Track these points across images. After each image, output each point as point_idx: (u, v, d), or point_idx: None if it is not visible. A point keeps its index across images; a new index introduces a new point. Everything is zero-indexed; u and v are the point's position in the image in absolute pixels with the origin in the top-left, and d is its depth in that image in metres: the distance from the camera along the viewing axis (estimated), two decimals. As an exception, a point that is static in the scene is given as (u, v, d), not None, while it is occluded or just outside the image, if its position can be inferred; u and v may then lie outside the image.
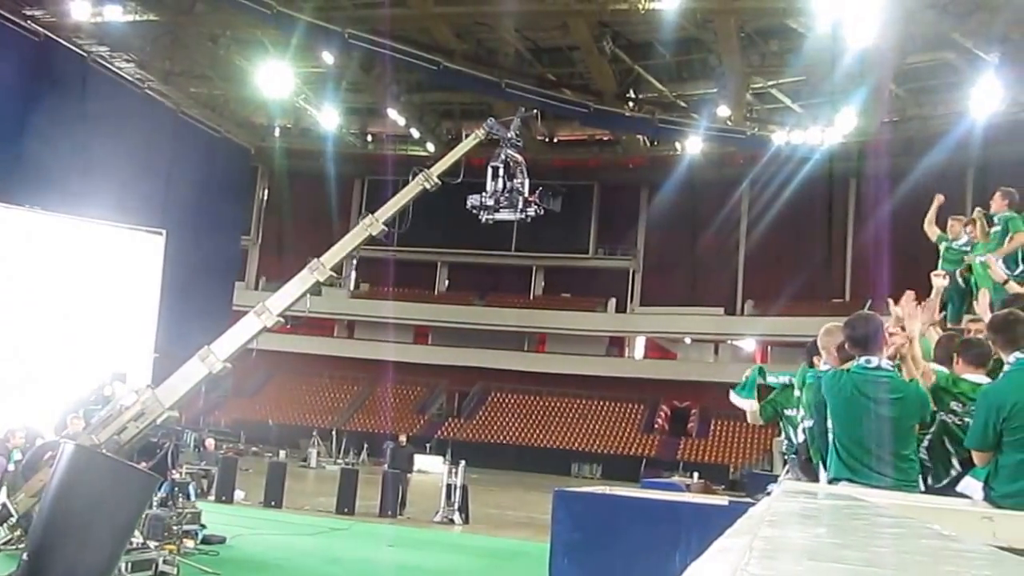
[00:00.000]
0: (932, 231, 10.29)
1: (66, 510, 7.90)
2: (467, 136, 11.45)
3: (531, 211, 11.31)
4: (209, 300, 22.68)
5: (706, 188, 47.19)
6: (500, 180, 11.20)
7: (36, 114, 20.84)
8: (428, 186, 11.07)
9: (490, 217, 11.41)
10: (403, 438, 28.86)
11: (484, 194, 11.31)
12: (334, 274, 10.38)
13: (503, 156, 11.22)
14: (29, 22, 29.84)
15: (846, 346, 5.01)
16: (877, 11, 28.75)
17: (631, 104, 39.01)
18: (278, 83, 40.19)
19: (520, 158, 11.36)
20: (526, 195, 11.18)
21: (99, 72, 25.96)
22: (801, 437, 7.81)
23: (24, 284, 18.53)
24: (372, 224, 10.74)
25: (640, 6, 32.00)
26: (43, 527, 8.03)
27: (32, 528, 8.33)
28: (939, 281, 7.46)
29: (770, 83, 38.04)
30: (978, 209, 9.77)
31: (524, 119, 11.71)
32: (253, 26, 35.87)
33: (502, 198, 11.18)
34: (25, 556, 8.10)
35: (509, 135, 11.20)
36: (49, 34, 28.86)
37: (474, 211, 11.41)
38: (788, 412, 7.91)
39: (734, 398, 8.33)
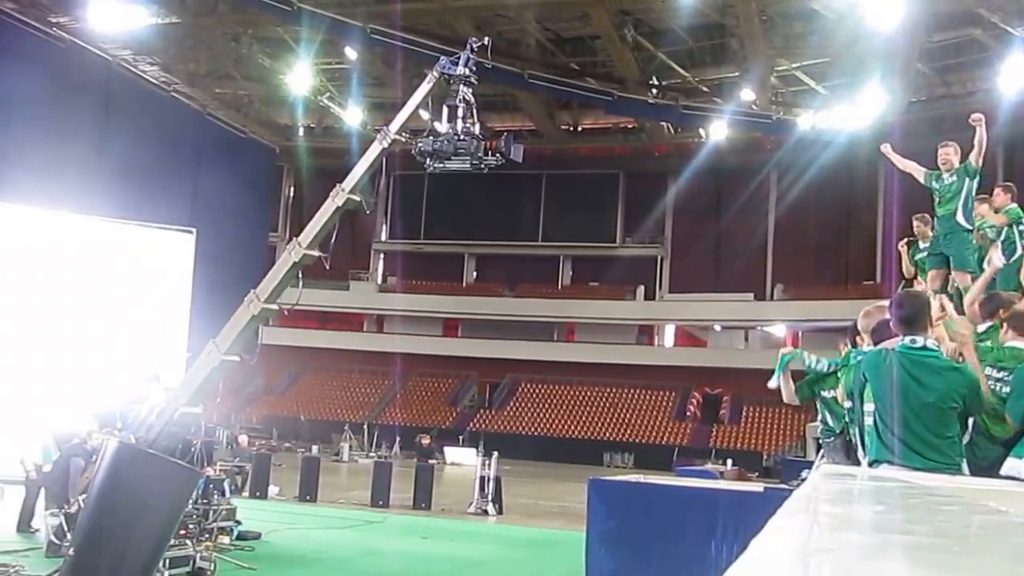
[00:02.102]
0: (919, 172, 9.70)
1: (110, 507, 7.98)
2: (425, 84, 10.36)
3: (490, 160, 9.92)
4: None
5: (732, 173, 46.91)
6: (458, 123, 9.76)
7: (64, 119, 21.06)
8: (386, 144, 9.93)
9: (438, 166, 9.95)
10: (426, 440, 29.18)
11: (434, 139, 9.85)
12: (312, 252, 9.83)
13: (460, 95, 9.86)
14: (55, 29, 30.14)
15: (891, 325, 4.95)
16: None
17: (654, 91, 38.81)
18: (301, 81, 40.32)
19: (472, 99, 10.03)
20: (480, 139, 9.82)
21: (124, 76, 26.19)
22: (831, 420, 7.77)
23: (59, 286, 18.74)
24: (338, 195, 9.95)
25: (661, -8, 31.85)
26: (88, 524, 8.12)
27: (77, 525, 8.42)
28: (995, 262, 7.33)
29: (794, 65, 37.69)
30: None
31: (478, 49, 10.16)
32: (275, 24, 36.01)
33: (458, 145, 9.71)
34: (71, 552, 8.19)
35: (462, 71, 9.88)
36: (75, 39, 29.16)
37: (420, 159, 9.92)
38: (825, 394, 7.85)
39: (771, 382, 8.30)
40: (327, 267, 10.36)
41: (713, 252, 49.24)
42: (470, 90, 9.86)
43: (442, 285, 52.64)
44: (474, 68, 9.91)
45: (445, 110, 9.82)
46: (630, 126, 47.74)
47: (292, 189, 54.32)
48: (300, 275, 9.98)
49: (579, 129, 48.63)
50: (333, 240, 10.18)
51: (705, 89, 39.71)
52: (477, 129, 9.78)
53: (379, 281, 55.32)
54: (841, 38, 33.23)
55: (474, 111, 9.87)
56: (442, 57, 10.21)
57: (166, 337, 19.33)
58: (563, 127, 48.33)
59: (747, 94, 37.75)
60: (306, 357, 51.43)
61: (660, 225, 51.06)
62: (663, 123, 45.55)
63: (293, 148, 48.74)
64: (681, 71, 38.69)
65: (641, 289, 50.16)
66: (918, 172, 9.28)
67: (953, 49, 34.94)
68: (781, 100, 39.93)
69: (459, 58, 9.95)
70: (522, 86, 37.98)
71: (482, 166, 9.81)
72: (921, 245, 9.79)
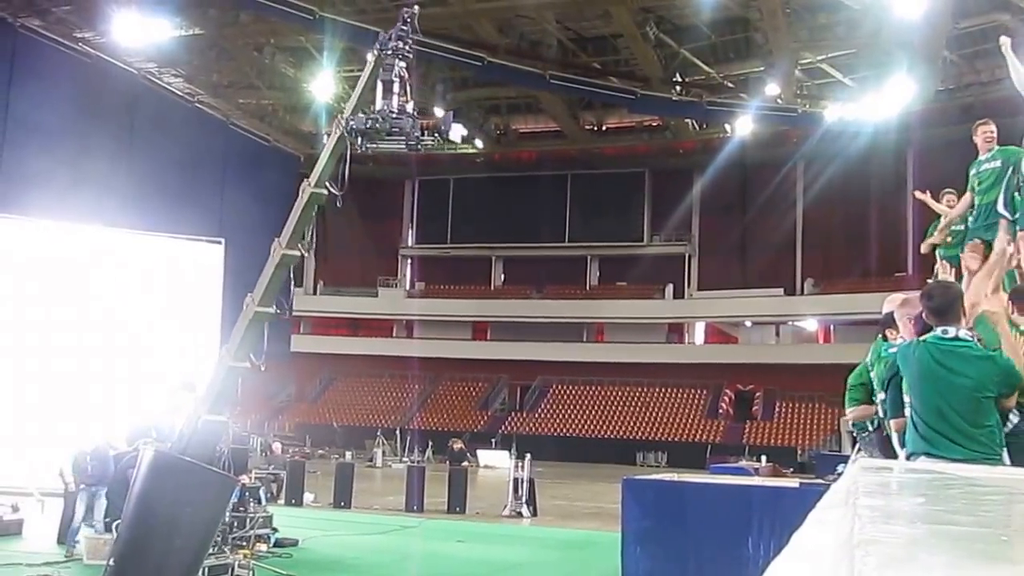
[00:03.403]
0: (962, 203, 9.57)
1: (149, 516, 8.04)
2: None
3: (428, 140, 9.44)
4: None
5: (759, 168, 46.65)
6: (393, 99, 9.16)
7: (91, 133, 21.31)
8: (340, 132, 9.41)
9: (371, 146, 9.38)
10: (458, 444, 29.24)
11: (367, 116, 9.21)
12: (292, 252, 9.57)
13: (395, 69, 9.28)
14: (80, 44, 30.51)
15: (923, 316, 4.90)
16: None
17: (678, 88, 38.59)
18: (324, 89, 40.51)
19: (407, 75, 9.44)
20: (414, 117, 9.25)
21: (149, 89, 26.50)
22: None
23: (89, 299, 18.92)
24: (305, 188, 9.76)
25: (682, -11, 31.70)
26: (127, 533, 8.18)
27: (117, 535, 8.48)
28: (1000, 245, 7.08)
29: (819, 57, 37.37)
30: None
31: (408, 19, 9.57)
32: (296, 33, 36.17)
33: (392, 123, 9.11)
34: (111, 562, 8.26)
35: (395, 44, 9.29)
36: (100, 54, 29.50)
37: (350, 135, 9.25)
38: None
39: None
40: (306, 255, 10.08)
41: (741, 248, 48.96)
42: (405, 64, 9.34)
43: (470, 289, 52.72)
44: (409, 40, 9.38)
45: (379, 86, 9.24)
46: (654, 124, 47.55)
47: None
48: (292, 276, 9.84)
49: (603, 129, 48.50)
50: (311, 236, 9.99)
51: (730, 84, 39.45)
52: (411, 107, 9.25)
53: (407, 287, 55.48)
54: (866, 28, 32.90)
55: (408, 88, 9.32)
56: (380, 34, 9.69)
57: (198, 347, 19.47)
58: (587, 127, 48.21)
59: (772, 88, 37.44)
60: (337, 364, 51.70)
61: (687, 222, 50.84)
62: (688, 120, 45.34)
63: (318, 156, 48.90)
64: (705, 67, 38.47)
65: (670, 287, 49.95)
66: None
67: (980, 35, 34.47)
68: (807, 93, 39.60)
69: (392, 32, 9.46)
70: (544, 87, 37.93)
71: (418, 147, 9.24)
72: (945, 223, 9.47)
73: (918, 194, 9.68)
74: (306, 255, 9.93)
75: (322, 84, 39.80)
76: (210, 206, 23.24)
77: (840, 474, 6.88)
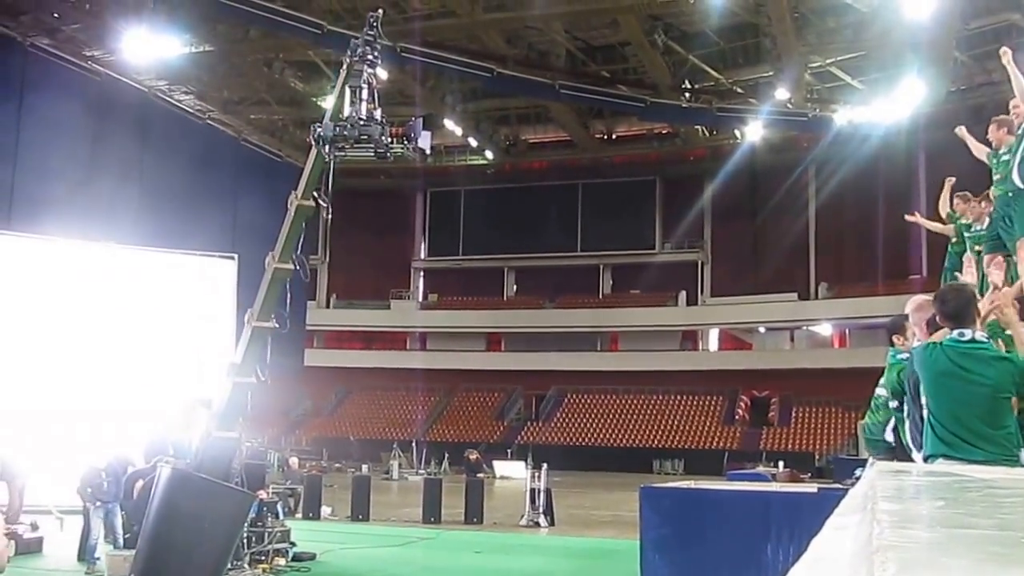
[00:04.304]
0: (983, 153, 9.51)
1: (168, 532, 8.07)
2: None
3: (397, 148, 9.19)
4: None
5: (770, 173, 46.56)
6: (362, 106, 9.03)
7: (102, 152, 21.40)
8: (313, 141, 9.30)
9: (339, 154, 9.19)
10: (473, 455, 29.16)
11: (335, 123, 9.08)
12: (286, 266, 9.54)
13: (363, 75, 9.19)
14: (90, 63, 30.69)
15: (937, 320, 4.88)
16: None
17: (687, 95, 38.60)
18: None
19: (375, 82, 9.33)
20: (382, 124, 9.10)
21: (160, 106, 26.60)
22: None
23: (103, 317, 19.00)
24: (293, 200, 9.75)
25: (688, -4, 31.70)
26: (146, 550, 8.20)
27: (136, 552, 8.50)
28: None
29: (828, 61, 37.32)
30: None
31: (375, 23, 9.48)
32: (306, 48, 36.35)
33: (361, 130, 8.96)
34: (129, 579, 8.29)
35: (363, 50, 9.22)
36: (110, 72, 29.66)
37: (317, 144, 9.12)
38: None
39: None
40: (304, 277, 10.13)
41: (754, 253, 48.86)
42: (373, 71, 9.26)
43: (483, 300, 52.77)
44: (377, 46, 9.31)
45: (347, 92, 9.14)
46: (664, 131, 47.57)
47: (331, 210, 54.69)
48: (289, 289, 9.84)
49: (613, 137, 48.55)
50: (300, 247, 9.98)
51: (739, 90, 39.43)
52: (379, 114, 9.11)
53: (420, 299, 55.56)
54: (875, 31, 32.86)
55: (376, 95, 9.19)
56: (352, 41, 9.58)
57: (213, 363, 19.52)
58: (597, 136, 48.28)
59: (782, 93, 37.41)
60: (352, 377, 51.76)
61: (699, 229, 50.79)
62: (697, 127, 45.32)
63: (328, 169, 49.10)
64: (714, 73, 38.47)
65: (683, 294, 49.87)
66: (984, 153, 8.96)
67: (992, 35, 34.35)
68: (817, 97, 39.54)
69: (360, 37, 9.37)
70: (554, 97, 37.98)
71: (387, 155, 9.09)
72: (968, 224, 9.38)
73: (909, 217, 9.62)
74: (299, 268, 9.91)
75: (331, 98, 39.96)
76: (222, 222, 23.28)
77: (858, 478, 6.84)
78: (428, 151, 9.72)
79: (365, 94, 9.13)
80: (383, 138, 9.02)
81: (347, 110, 9.10)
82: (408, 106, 44.58)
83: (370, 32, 9.37)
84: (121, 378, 18.82)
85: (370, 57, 9.20)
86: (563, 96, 37.00)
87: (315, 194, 9.66)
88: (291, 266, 9.66)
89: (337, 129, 8.97)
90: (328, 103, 10.09)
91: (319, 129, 9.04)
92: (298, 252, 9.77)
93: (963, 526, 1.31)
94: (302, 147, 46.06)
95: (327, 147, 9.05)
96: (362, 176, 50.30)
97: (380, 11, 9.74)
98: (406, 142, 9.19)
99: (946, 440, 4.61)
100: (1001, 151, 8.09)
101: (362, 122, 8.98)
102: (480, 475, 21.03)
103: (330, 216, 9.75)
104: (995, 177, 8.28)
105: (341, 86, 9.46)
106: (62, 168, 19.93)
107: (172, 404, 14.47)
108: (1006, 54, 7.98)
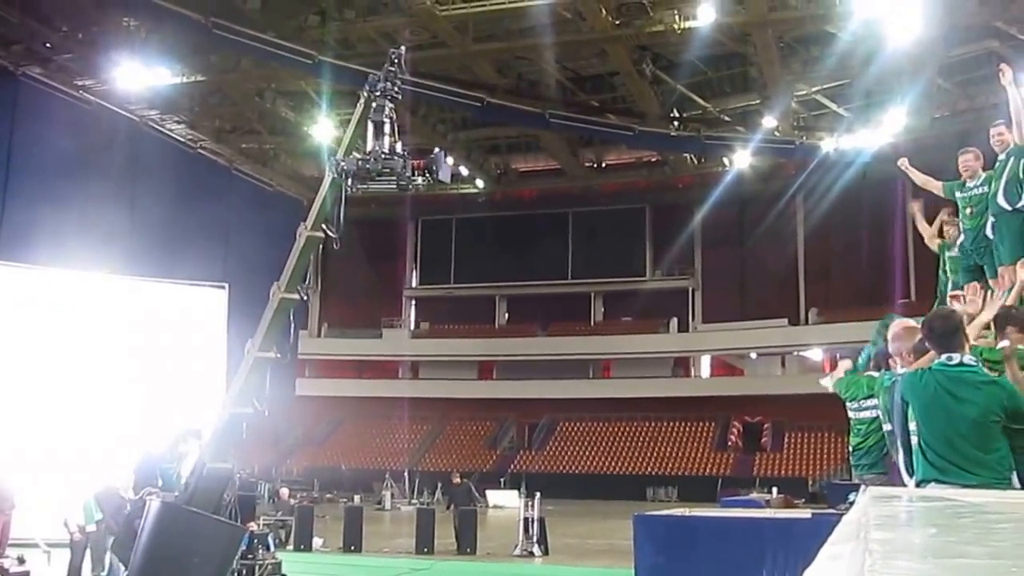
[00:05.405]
0: (933, 244, 9.59)
1: (157, 567, 8.00)
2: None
3: (419, 181, 9.31)
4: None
5: (758, 200, 46.79)
6: (384, 140, 9.17)
7: (94, 181, 21.43)
8: (334, 174, 9.36)
9: (363, 187, 9.32)
10: (456, 478, 28.87)
11: (359, 158, 9.19)
12: (291, 296, 9.60)
13: (386, 110, 9.30)
14: (81, 92, 30.77)
15: (926, 345, 4.90)
16: (917, 8, 28.36)
17: (676, 123, 38.83)
18: (325, 132, 40.79)
19: (395, 116, 9.47)
20: (406, 157, 9.23)
21: (151, 136, 26.72)
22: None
23: (93, 347, 18.93)
24: (302, 232, 9.85)
25: (676, 27, 31.92)
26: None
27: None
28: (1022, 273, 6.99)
29: (814, 89, 37.63)
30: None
31: (396, 60, 9.54)
32: (297, 78, 36.48)
33: (383, 164, 9.08)
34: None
35: (384, 85, 9.31)
36: (101, 102, 29.74)
37: (341, 177, 9.21)
38: (850, 406, 7.75)
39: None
40: (308, 298, 10.13)
41: (744, 280, 49.03)
42: (393, 106, 9.40)
43: (474, 328, 52.73)
44: (398, 82, 9.44)
45: (370, 127, 9.27)
46: (654, 159, 47.78)
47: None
48: (292, 320, 9.86)
49: (603, 165, 48.71)
50: (309, 281, 10.06)
51: (727, 118, 39.69)
52: (400, 147, 9.28)
53: (412, 327, 55.50)
54: (859, 59, 33.16)
55: (396, 129, 9.35)
56: (369, 75, 9.67)
57: (203, 393, 19.44)
58: (587, 164, 48.45)
59: (769, 121, 37.68)
60: (344, 407, 51.57)
61: (689, 256, 50.94)
62: (686, 155, 45.56)
63: (320, 199, 49.17)
64: (701, 102, 38.73)
65: (674, 321, 49.95)
66: (936, 187, 8.89)
67: (973, 62, 34.74)
68: (803, 125, 39.82)
69: (381, 73, 9.47)
70: (544, 126, 38.14)
71: (409, 187, 9.24)
72: (948, 246, 9.44)
73: (903, 162, 9.60)
74: (307, 298, 9.96)
75: (322, 128, 40.10)
76: (214, 251, 23.29)
77: (852, 503, 6.84)
78: (448, 181, 9.86)
79: (387, 128, 9.23)
80: (405, 171, 9.16)
81: (370, 144, 9.21)
82: (399, 135, 44.73)
83: (391, 68, 9.45)
84: (110, 407, 18.72)
85: (392, 92, 9.30)
86: (553, 125, 37.16)
87: (324, 225, 9.60)
88: (297, 296, 9.73)
89: (360, 163, 9.07)
90: (331, 133, 10.19)
91: (343, 163, 9.10)
92: (306, 282, 9.82)
93: (955, 555, 1.31)
94: (293, 176, 46.22)
95: (350, 180, 9.13)
96: (353, 204, 49.84)
97: (403, 48, 9.88)
98: (428, 174, 9.33)
99: (937, 465, 4.62)
100: (972, 183, 8.12)
101: (385, 156, 9.09)
102: (469, 506, 20.66)
103: (338, 246, 9.73)
104: (966, 211, 8.30)
105: (357, 119, 9.57)
106: (52, 196, 19.94)
107: (160, 434, 14.41)
108: (1006, 73, 7.98)
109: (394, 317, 54.89)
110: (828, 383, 8.18)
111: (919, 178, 9.19)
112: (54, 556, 13.86)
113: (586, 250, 51.34)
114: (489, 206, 50.82)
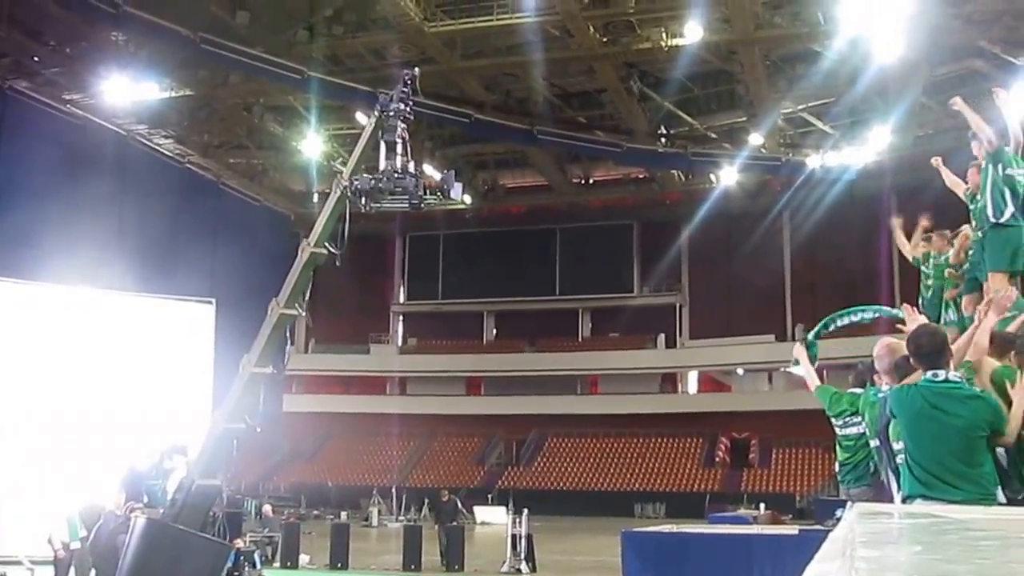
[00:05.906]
0: (915, 252, 9.84)
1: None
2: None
3: (430, 199, 9.60)
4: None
5: (745, 217, 46.95)
6: (397, 159, 9.34)
7: (81, 195, 21.38)
8: (340, 192, 9.58)
9: (375, 206, 9.51)
10: (445, 494, 28.82)
11: (372, 177, 9.36)
12: (290, 312, 9.61)
13: (398, 130, 9.47)
14: (68, 106, 30.70)
15: (912, 361, 4.92)
16: (902, 28, 28.62)
17: (663, 140, 39.01)
18: (313, 147, 40.80)
19: (408, 136, 9.63)
20: (417, 177, 9.43)
21: (139, 150, 26.70)
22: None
23: (79, 362, 18.82)
24: (305, 248, 9.89)
25: (663, 44, 32.16)
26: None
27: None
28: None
29: (800, 107, 37.91)
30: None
31: (410, 81, 9.72)
32: (286, 93, 36.53)
33: (396, 183, 9.26)
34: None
35: (397, 106, 9.46)
36: (89, 116, 29.69)
37: (355, 195, 9.39)
38: (836, 422, 7.78)
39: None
40: (302, 314, 10.18)
41: (731, 296, 49.09)
42: (406, 126, 9.56)
43: (462, 344, 52.69)
44: (410, 103, 9.60)
45: (382, 147, 9.42)
46: (641, 176, 47.96)
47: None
48: (288, 335, 9.88)
49: (591, 182, 48.87)
50: (308, 296, 10.09)
51: (713, 136, 39.92)
52: (412, 167, 9.44)
53: (400, 343, 55.39)
54: (844, 77, 33.43)
55: (408, 149, 9.51)
56: (381, 95, 9.81)
57: (189, 409, 19.35)
58: (575, 180, 48.59)
59: (755, 138, 37.93)
60: (331, 423, 51.36)
61: (677, 272, 51.05)
62: (673, 171, 45.75)
63: (308, 214, 49.12)
64: (688, 119, 38.94)
65: (662, 337, 50.01)
66: (961, 191, 9.04)
67: (957, 81, 35.03)
68: (789, 142, 40.08)
69: (394, 94, 9.60)
70: (532, 143, 38.28)
71: (421, 205, 9.44)
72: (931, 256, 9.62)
73: (936, 161, 9.67)
74: (302, 314, 9.98)
75: (310, 143, 40.12)
76: (201, 266, 23.22)
77: (839, 519, 6.86)
78: (459, 200, 10.00)
79: (400, 148, 9.37)
80: (417, 190, 9.31)
81: (383, 163, 9.34)
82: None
83: (404, 89, 9.59)
84: (96, 423, 18.59)
85: (405, 113, 9.45)
86: (540, 141, 37.30)
87: (326, 243, 9.74)
88: (295, 312, 9.74)
89: (373, 182, 9.22)
90: (352, 155, 10.24)
91: (356, 182, 9.23)
92: (306, 299, 9.85)
93: (940, 573, 1.33)
94: (282, 192, 46.20)
95: (363, 199, 9.31)
96: (341, 220, 50.27)
97: (417, 69, 10.00)
98: (440, 194, 9.60)
99: (924, 481, 4.64)
100: (979, 197, 8.23)
101: (397, 175, 9.24)
102: (454, 523, 20.58)
103: (339, 263, 9.82)
104: (972, 224, 8.48)
105: (368, 139, 9.67)
106: (39, 210, 19.88)
107: (146, 449, 14.33)
108: (999, 94, 8.06)
109: (382, 333, 54.77)
110: (798, 361, 8.38)
111: (949, 179, 9.32)
112: (38, 573, 13.75)
113: (574, 266, 51.39)
114: (477, 222, 50.85)
